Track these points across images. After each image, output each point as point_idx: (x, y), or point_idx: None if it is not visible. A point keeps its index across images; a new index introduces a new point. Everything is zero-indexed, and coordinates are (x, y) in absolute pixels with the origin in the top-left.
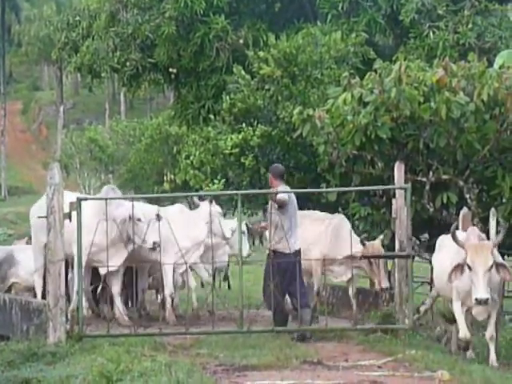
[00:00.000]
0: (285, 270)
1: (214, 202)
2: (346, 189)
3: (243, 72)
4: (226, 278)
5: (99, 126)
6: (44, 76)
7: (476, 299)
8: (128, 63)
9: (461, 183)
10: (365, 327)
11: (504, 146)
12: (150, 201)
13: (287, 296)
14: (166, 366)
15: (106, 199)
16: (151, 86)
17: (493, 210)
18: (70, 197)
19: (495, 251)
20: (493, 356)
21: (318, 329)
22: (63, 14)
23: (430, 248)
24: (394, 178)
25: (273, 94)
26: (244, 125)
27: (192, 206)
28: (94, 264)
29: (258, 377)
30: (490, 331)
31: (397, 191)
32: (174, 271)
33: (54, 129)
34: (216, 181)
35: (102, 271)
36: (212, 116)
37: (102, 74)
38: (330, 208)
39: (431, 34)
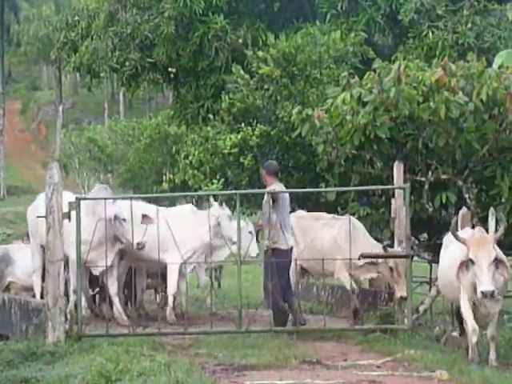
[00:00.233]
0: (284, 268)
1: (224, 204)
2: (345, 188)
3: (242, 72)
4: (216, 277)
5: (98, 125)
6: (43, 76)
7: (482, 292)
8: (127, 63)
9: (460, 183)
10: (363, 327)
11: (503, 145)
12: (149, 201)
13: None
14: (165, 365)
15: (105, 199)
16: (150, 86)
17: (492, 209)
18: (69, 197)
19: (496, 247)
20: (493, 355)
21: (317, 329)
22: (62, 14)
23: (429, 248)
24: (393, 178)
25: (272, 94)
26: (243, 124)
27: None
28: (86, 264)
29: (257, 376)
30: (492, 331)
31: (396, 191)
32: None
33: (53, 128)
34: (215, 180)
35: (94, 271)
36: (211, 116)
37: (101, 74)
38: (330, 207)
39: (430, 33)
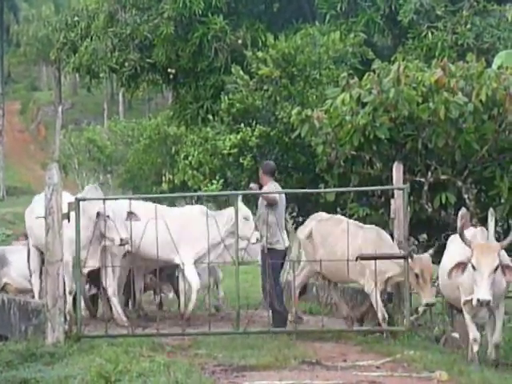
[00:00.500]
0: (278, 268)
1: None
2: (345, 189)
3: (242, 72)
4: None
5: (98, 126)
6: (42, 76)
7: (478, 300)
8: (126, 63)
9: (459, 183)
10: (361, 329)
11: (502, 146)
12: (155, 201)
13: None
14: (164, 366)
15: (105, 199)
16: (150, 87)
17: (491, 210)
18: (68, 197)
19: (503, 253)
20: (492, 352)
21: (315, 330)
22: (62, 15)
23: (429, 248)
24: (392, 179)
25: (271, 95)
26: (242, 125)
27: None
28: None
29: (256, 377)
30: (497, 337)
31: (395, 191)
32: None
33: (53, 129)
34: (214, 181)
35: (83, 270)
36: (210, 116)
37: (101, 75)
38: (329, 208)
39: (430, 34)
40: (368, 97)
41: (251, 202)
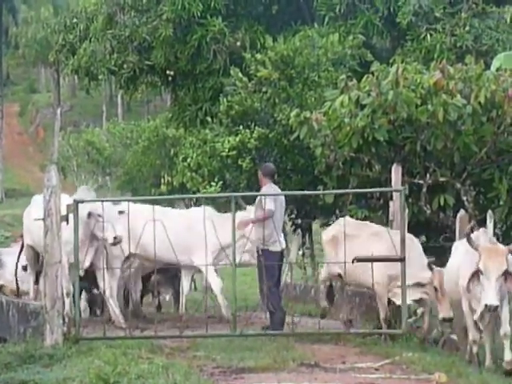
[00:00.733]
0: (274, 270)
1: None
2: (343, 191)
3: (240, 74)
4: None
5: (96, 128)
6: (41, 78)
7: (486, 305)
8: (125, 65)
9: (458, 185)
10: (359, 331)
11: (501, 148)
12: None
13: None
14: (163, 368)
15: (103, 201)
16: (148, 89)
17: (490, 212)
18: (67, 199)
19: (510, 257)
20: (508, 356)
21: (312, 333)
22: (60, 17)
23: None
24: (391, 181)
25: (270, 97)
26: (241, 127)
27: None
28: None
29: (255, 379)
30: (504, 328)
31: (394, 193)
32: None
33: (51, 131)
34: (213, 183)
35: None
36: (209, 118)
37: (100, 77)
38: (328, 210)
39: (428, 36)
40: (367, 99)
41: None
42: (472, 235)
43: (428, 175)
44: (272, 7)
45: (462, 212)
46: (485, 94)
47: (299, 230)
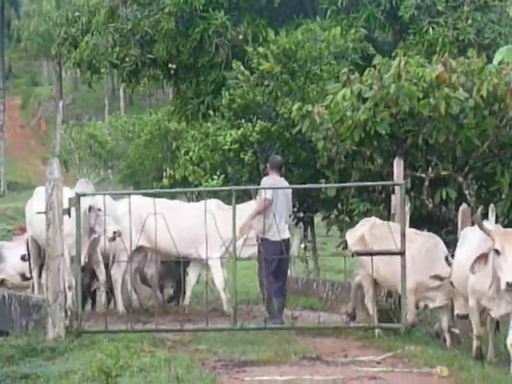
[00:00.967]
0: (272, 259)
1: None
2: (345, 184)
3: (242, 68)
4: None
5: (98, 121)
6: (43, 71)
7: (507, 283)
8: (127, 59)
9: (460, 179)
10: (358, 325)
11: (503, 141)
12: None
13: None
14: (165, 361)
15: (105, 194)
16: (150, 82)
17: (492, 206)
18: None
19: None
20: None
21: (312, 327)
22: (63, 10)
23: None
24: (393, 174)
25: (272, 90)
26: (243, 120)
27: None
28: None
29: (256, 372)
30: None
31: (396, 187)
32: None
33: (54, 124)
34: (215, 176)
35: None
36: (211, 112)
37: (102, 70)
38: (330, 204)
39: (430, 29)
40: (369, 92)
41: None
42: (484, 221)
43: (430, 169)
44: (274, 1)
45: (464, 206)
46: (487, 87)
47: (301, 224)
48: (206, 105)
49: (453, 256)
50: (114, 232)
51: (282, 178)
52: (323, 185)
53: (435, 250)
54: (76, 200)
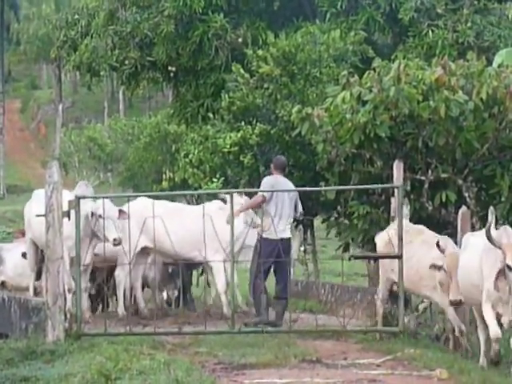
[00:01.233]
0: (269, 255)
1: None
2: (345, 187)
3: (242, 70)
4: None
5: (98, 124)
6: (43, 74)
7: None
8: (127, 61)
9: (460, 182)
10: (355, 328)
11: (503, 144)
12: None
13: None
14: (164, 364)
15: (104, 197)
16: (150, 85)
17: (491, 208)
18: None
19: None
20: None
21: (309, 330)
22: (62, 13)
23: None
24: (392, 177)
25: (272, 93)
26: (243, 123)
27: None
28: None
29: (256, 375)
30: None
31: (396, 190)
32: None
33: (53, 127)
34: (215, 179)
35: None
36: (211, 114)
37: (101, 73)
38: (329, 206)
39: (430, 32)
40: (368, 95)
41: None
42: (493, 232)
43: (430, 171)
44: (274, 3)
45: (463, 208)
46: (487, 90)
47: (301, 226)
48: (205, 107)
49: None
50: (115, 239)
51: (286, 179)
52: (323, 187)
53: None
54: (76, 203)
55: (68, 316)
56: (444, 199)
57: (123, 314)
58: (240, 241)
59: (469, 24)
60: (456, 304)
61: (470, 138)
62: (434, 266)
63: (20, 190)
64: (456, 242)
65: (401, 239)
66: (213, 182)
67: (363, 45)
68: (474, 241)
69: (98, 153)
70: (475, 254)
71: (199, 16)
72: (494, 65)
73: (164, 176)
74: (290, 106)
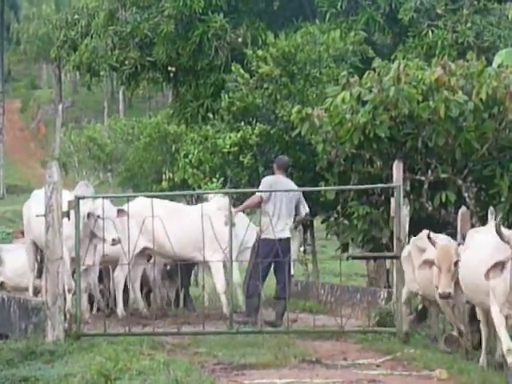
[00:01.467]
0: (266, 256)
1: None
2: (345, 187)
3: (242, 71)
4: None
5: (98, 124)
6: (43, 74)
7: None
8: (127, 62)
9: (459, 182)
10: (353, 329)
11: (503, 144)
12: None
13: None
14: (164, 364)
15: (103, 197)
16: (150, 85)
17: (491, 208)
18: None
19: None
20: None
21: (307, 331)
22: (62, 13)
23: None
24: (392, 177)
25: (271, 93)
26: (243, 123)
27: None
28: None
29: (256, 375)
30: None
31: (395, 190)
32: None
33: (53, 127)
34: (215, 179)
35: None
36: (211, 115)
37: (101, 73)
38: (329, 207)
39: (430, 32)
40: (368, 95)
41: None
42: (502, 228)
43: (429, 172)
44: (273, 3)
45: (463, 209)
46: (486, 90)
47: (300, 227)
48: (205, 108)
49: None
50: (113, 239)
51: (288, 179)
52: (322, 188)
53: None
54: (75, 203)
55: (68, 316)
56: (444, 199)
57: (122, 314)
58: (239, 241)
59: (469, 24)
60: (445, 297)
61: (470, 138)
62: (427, 262)
63: (20, 190)
64: None
65: (398, 240)
66: (212, 182)
67: (363, 45)
68: (479, 237)
69: (98, 153)
70: (482, 250)
71: (199, 16)
72: (494, 65)
73: (164, 176)
74: (290, 106)
